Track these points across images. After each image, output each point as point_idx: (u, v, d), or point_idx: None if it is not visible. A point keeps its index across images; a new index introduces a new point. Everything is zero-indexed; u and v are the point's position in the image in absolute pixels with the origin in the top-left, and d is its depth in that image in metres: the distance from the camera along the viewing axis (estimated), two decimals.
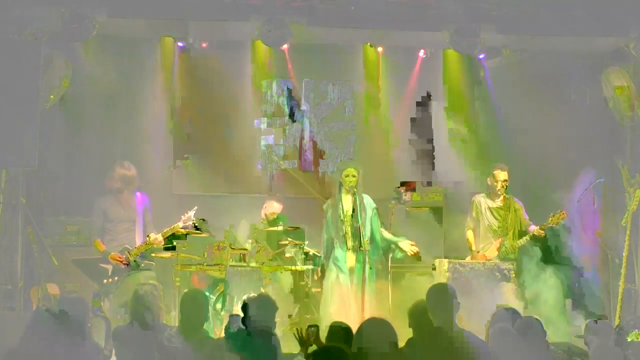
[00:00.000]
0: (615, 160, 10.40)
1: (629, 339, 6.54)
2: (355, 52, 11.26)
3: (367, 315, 9.06)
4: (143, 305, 6.66)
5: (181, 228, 9.47)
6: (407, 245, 9.59)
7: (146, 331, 6.50)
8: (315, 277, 9.88)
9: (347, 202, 9.60)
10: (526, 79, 10.89)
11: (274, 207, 10.53)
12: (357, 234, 9.51)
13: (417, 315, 6.18)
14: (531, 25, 10.03)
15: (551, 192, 10.32)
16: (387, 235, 9.73)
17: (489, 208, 9.95)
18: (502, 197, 9.94)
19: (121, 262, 9.50)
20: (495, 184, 9.92)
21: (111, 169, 9.76)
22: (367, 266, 9.37)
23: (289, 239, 10.13)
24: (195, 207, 9.51)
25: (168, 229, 9.49)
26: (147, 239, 9.52)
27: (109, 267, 9.56)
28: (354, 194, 9.52)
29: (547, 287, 9.68)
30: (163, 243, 9.56)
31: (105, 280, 9.53)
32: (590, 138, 10.70)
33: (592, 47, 10.55)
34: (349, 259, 9.51)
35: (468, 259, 9.96)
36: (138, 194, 9.82)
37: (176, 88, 11.20)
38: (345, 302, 9.37)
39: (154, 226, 9.71)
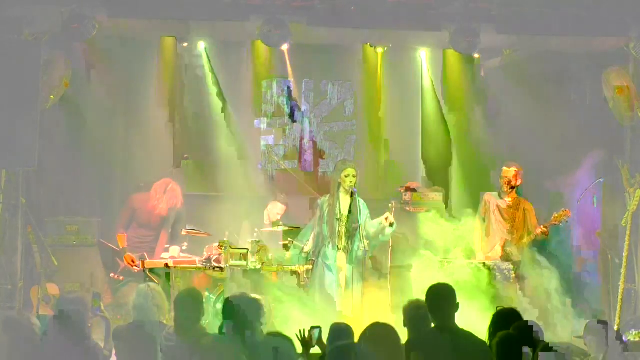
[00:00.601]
0: (615, 160, 10.39)
1: (627, 339, 6.54)
2: (355, 52, 11.27)
3: (363, 315, 9.09)
4: (149, 303, 6.68)
5: (198, 263, 9.47)
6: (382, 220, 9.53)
7: (148, 329, 6.49)
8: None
9: (344, 202, 9.59)
10: (526, 79, 10.88)
11: (278, 208, 10.53)
12: (350, 235, 9.51)
13: (412, 315, 6.16)
14: (531, 25, 10.03)
15: (550, 192, 10.32)
16: (372, 230, 9.69)
17: (498, 207, 9.92)
18: (512, 197, 9.91)
19: (133, 266, 9.55)
20: (500, 180, 9.91)
21: (164, 183, 9.87)
22: (365, 266, 9.41)
23: (289, 239, 10.13)
24: (218, 254, 9.42)
25: (184, 258, 9.52)
26: (166, 254, 9.57)
27: (122, 264, 9.62)
28: (352, 195, 9.52)
29: (547, 286, 9.68)
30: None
31: (112, 274, 9.58)
32: (591, 138, 10.70)
33: (592, 47, 10.55)
34: (339, 259, 9.51)
35: (474, 257, 9.95)
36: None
37: (176, 88, 11.20)
38: (332, 301, 9.41)
39: None
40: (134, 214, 9.93)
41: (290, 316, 8.68)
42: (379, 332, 5.49)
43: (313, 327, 6.00)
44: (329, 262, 9.52)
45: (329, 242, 9.53)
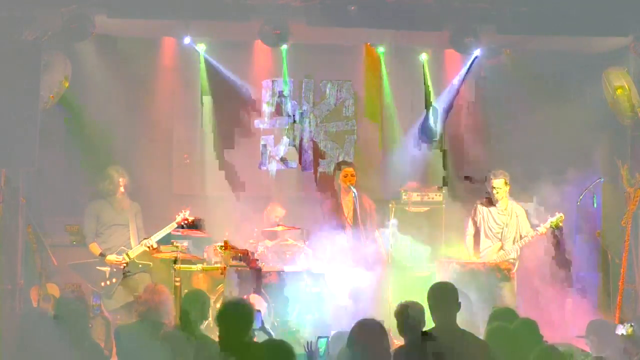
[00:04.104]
0: (615, 160, 10.39)
1: (621, 333, 6.54)
2: (355, 52, 11.27)
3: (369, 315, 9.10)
4: (155, 300, 6.71)
5: (176, 228, 9.48)
6: None
7: (149, 329, 6.49)
8: None
9: (347, 201, 9.61)
10: (526, 79, 10.89)
11: (277, 211, 10.53)
12: (356, 234, 9.53)
13: (403, 317, 6.14)
14: (531, 25, 10.02)
15: (550, 192, 10.31)
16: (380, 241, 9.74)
17: (490, 213, 9.89)
18: (504, 202, 9.87)
19: (119, 264, 9.51)
20: (491, 190, 9.86)
21: (104, 172, 9.78)
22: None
23: (289, 238, 10.14)
24: (189, 208, 9.50)
25: (161, 231, 9.49)
26: (144, 240, 9.52)
27: (106, 270, 9.56)
28: (353, 194, 9.53)
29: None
30: (157, 248, 9.56)
31: (103, 283, 9.52)
32: (591, 138, 10.70)
33: (592, 47, 10.55)
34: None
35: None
36: (129, 198, 9.86)
37: (176, 88, 11.19)
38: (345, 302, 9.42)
39: (153, 227, 9.72)
40: (98, 219, 9.78)
41: None
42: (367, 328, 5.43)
43: (320, 337, 5.94)
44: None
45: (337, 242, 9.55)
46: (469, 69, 11.11)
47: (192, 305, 6.39)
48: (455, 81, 11.34)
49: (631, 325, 6.72)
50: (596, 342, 6.24)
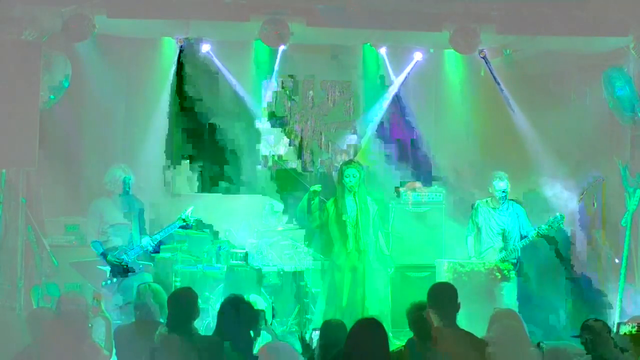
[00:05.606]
0: (615, 160, 10.39)
1: (623, 332, 6.55)
2: (355, 52, 11.27)
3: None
4: (152, 299, 6.69)
5: (178, 228, 9.46)
6: None
7: (149, 329, 6.49)
8: None
9: (349, 202, 9.61)
10: (526, 79, 10.88)
11: (273, 206, 10.56)
12: (359, 235, 9.52)
13: (416, 316, 6.17)
14: (531, 25, 10.02)
15: (550, 192, 10.32)
16: (381, 243, 9.73)
17: (491, 213, 9.89)
18: (504, 203, 9.86)
19: (119, 265, 9.49)
20: (495, 193, 9.84)
21: (108, 170, 9.74)
22: (367, 266, 9.42)
23: (290, 239, 10.15)
24: (192, 207, 9.47)
25: (163, 230, 9.47)
26: (145, 240, 9.51)
27: (107, 269, 9.55)
28: (355, 195, 9.53)
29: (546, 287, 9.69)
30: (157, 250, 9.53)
31: (103, 282, 9.51)
32: (590, 138, 10.70)
33: (592, 47, 10.54)
34: (350, 259, 9.52)
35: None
36: (134, 197, 9.83)
37: (175, 88, 11.20)
38: (344, 302, 9.40)
39: (152, 228, 9.71)
40: (101, 218, 9.73)
41: None
42: (367, 327, 5.44)
43: (314, 329, 5.96)
44: (338, 262, 9.51)
45: (337, 244, 9.52)
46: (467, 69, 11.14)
47: (176, 304, 6.35)
48: (454, 81, 11.35)
49: (636, 325, 6.74)
50: (590, 341, 6.24)
